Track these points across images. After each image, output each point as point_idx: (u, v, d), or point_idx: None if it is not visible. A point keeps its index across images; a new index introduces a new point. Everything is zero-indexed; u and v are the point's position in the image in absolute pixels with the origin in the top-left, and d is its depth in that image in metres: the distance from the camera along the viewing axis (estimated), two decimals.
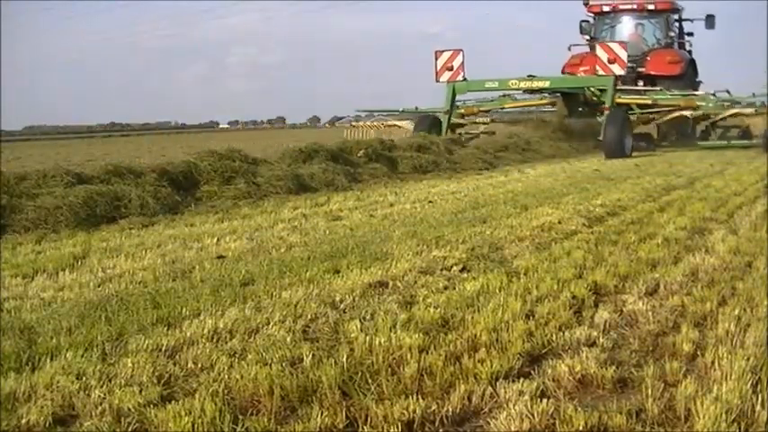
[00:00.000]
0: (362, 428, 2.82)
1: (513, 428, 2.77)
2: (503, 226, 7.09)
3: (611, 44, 19.47)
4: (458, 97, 20.21)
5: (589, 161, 16.83)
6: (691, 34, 23.63)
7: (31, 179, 9.33)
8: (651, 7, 22.36)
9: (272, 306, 4.33)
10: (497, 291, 4.58)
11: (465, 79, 19.62)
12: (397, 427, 2.77)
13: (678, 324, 3.93)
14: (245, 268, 5.43)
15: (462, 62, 19.48)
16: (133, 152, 28.37)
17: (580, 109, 21.12)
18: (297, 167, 12.02)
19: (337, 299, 4.50)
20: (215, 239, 6.89)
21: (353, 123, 22.07)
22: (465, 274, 5.16)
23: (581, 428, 2.75)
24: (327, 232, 7.25)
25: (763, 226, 6.73)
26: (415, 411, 2.85)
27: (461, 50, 19.57)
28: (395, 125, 21.00)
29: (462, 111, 20.77)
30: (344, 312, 4.25)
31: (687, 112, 19.25)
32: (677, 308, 4.23)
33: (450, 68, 19.46)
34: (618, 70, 18.57)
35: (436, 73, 19.62)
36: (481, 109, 21.35)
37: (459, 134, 19.77)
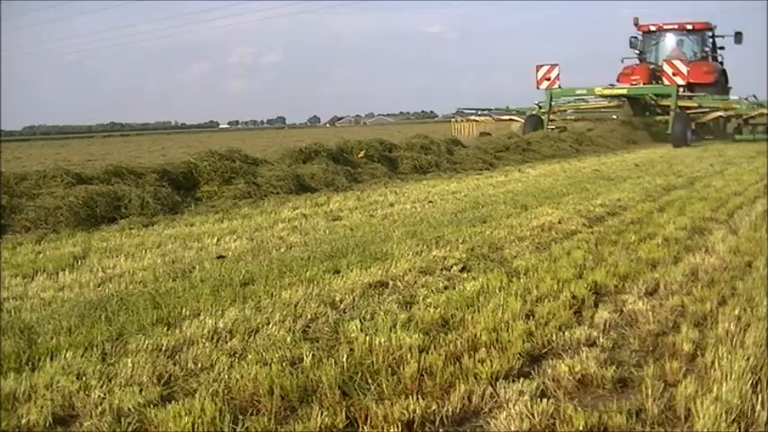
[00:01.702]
0: (362, 428, 2.81)
1: (513, 428, 2.77)
2: (503, 226, 7.09)
3: (674, 61, 23.48)
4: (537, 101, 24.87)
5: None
6: (722, 48, 27.64)
7: (31, 179, 9.35)
8: (690, 27, 26.98)
9: (272, 306, 4.33)
10: (497, 291, 4.58)
11: (560, 87, 24.14)
12: (397, 427, 2.77)
13: (678, 324, 3.93)
14: (245, 268, 5.43)
15: (558, 74, 23.91)
16: (133, 152, 28.41)
17: (641, 111, 25.24)
18: (297, 167, 12.01)
19: (337, 299, 4.50)
20: (215, 239, 6.90)
21: (457, 119, 26.91)
22: (465, 274, 5.15)
23: (581, 428, 2.75)
24: (327, 232, 7.25)
25: (763, 226, 6.73)
26: (415, 411, 2.85)
27: (557, 64, 24.18)
28: (513, 120, 25.31)
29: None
30: (344, 312, 4.25)
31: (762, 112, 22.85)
32: (677, 308, 4.23)
33: (548, 79, 23.96)
34: (680, 81, 22.96)
35: (537, 82, 24.06)
36: (559, 109, 26.06)
37: (551, 129, 23.53)
